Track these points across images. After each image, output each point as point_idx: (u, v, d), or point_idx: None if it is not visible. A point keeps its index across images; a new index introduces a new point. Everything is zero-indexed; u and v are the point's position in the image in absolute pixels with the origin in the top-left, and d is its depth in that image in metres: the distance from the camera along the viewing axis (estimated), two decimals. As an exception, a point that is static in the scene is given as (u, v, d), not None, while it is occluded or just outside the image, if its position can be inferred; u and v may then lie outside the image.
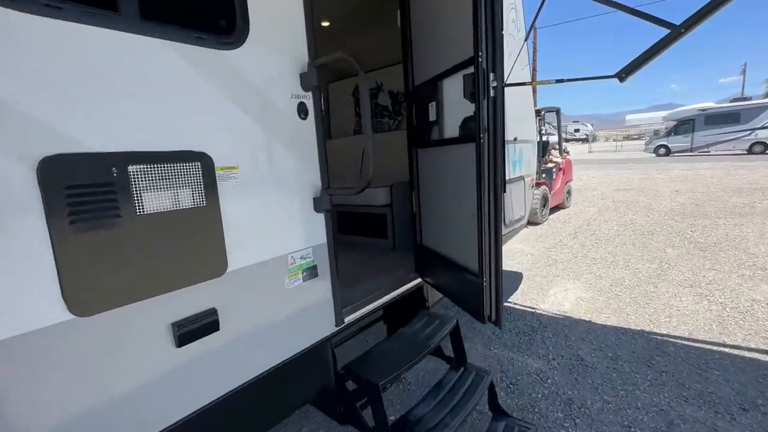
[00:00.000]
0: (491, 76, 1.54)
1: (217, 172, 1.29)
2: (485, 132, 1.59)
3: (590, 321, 3.49)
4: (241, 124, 1.37)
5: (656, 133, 26.80)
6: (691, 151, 20.84)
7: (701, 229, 6.11)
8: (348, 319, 1.88)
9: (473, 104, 1.63)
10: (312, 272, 1.66)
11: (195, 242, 1.24)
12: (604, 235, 6.36)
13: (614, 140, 43.95)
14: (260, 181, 1.43)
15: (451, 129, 1.94)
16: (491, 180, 1.63)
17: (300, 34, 1.54)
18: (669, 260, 4.91)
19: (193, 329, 1.24)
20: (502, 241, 1.82)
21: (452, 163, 1.94)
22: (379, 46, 4.27)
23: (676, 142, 21.45)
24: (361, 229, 3.52)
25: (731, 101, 21.17)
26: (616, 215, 7.67)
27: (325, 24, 4.49)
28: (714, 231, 5.97)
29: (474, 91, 1.59)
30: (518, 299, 4.12)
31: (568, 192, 8.96)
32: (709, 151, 20.36)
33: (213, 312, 1.30)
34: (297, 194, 1.58)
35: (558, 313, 3.71)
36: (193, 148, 1.23)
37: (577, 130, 40.61)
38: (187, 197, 1.21)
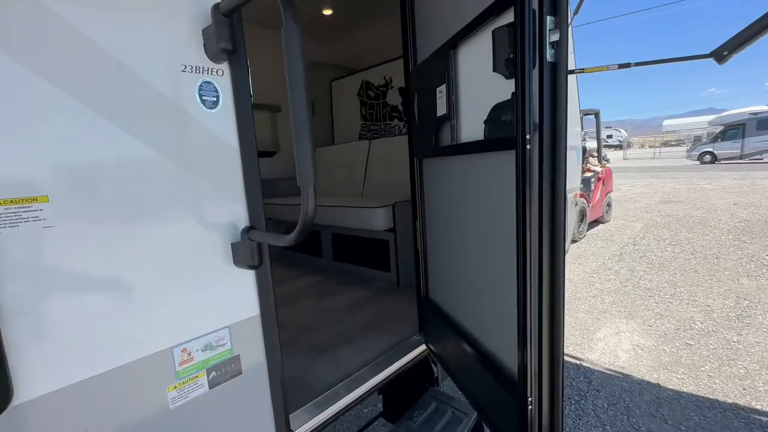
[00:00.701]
0: (549, 21, 0.80)
1: (-18, 210, 0.63)
2: (535, 130, 0.85)
3: (658, 384, 2.64)
4: (59, 116, 0.70)
5: (698, 139, 24.93)
6: (740, 159, 19.09)
7: (780, 253, 5.05)
8: (302, 430, 1.18)
9: (510, 81, 0.90)
10: (230, 368, 0.98)
11: None
12: (656, 257, 5.38)
13: (650, 147, 41.67)
14: (106, 220, 0.76)
15: (473, 127, 1.21)
16: (548, 216, 0.89)
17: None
18: (748, 295, 3.93)
19: None
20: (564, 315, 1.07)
21: (475, 183, 1.21)
22: (389, 35, 3.61)
23: (723, 149, 19.75)
24: (358, 257, 2.81)
25: (787, 104, 19.35)
26: (667, 233, 6.63)
27: (328, 12, 3.90)
28: (797, 256, 4.91)
29: (513, 54, 0.85)
30: (557, 344, 3.29)
31: (608, 204, 7.97)
32: (762, 159, 18.59)
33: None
34: (194, 240, 0.89)
35: (612, 368, 2.86)
36: None
37: (610, 136, 38.63)
38: None
